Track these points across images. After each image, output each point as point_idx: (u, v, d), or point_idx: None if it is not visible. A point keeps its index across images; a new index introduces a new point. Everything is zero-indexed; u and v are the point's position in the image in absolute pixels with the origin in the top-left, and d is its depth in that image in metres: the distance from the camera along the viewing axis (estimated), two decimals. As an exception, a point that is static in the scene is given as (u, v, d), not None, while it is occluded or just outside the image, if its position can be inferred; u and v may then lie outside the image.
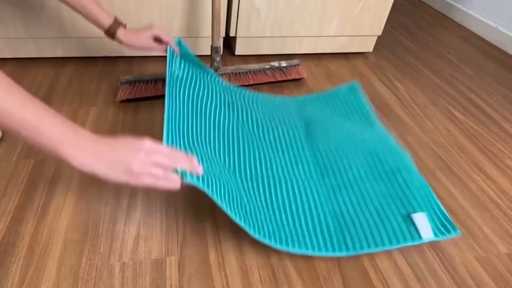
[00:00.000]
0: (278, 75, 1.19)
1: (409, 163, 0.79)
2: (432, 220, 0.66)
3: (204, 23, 1.21)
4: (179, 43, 0.91)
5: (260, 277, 0.67)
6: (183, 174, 0.56)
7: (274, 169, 0.77)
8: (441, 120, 1.14)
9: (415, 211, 0.67)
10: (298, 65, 1.23)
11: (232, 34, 1.27)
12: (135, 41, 0.88)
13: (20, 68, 1.14)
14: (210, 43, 1.08)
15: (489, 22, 1.74)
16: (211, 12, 1.02)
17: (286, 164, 0.78)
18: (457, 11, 1.91)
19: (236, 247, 0.72)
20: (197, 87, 0.84)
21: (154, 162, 0.54)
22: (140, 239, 0.71)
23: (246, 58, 1.34)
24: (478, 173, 0.96)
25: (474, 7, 1.82)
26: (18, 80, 1.09)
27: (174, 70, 0.83)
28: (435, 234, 0.65)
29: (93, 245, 0.69)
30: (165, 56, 0.85)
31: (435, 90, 1.29)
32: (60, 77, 1.12)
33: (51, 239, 0.69)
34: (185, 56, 0.90)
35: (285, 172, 0.77)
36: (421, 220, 0.64)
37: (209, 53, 1.29)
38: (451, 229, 0.65)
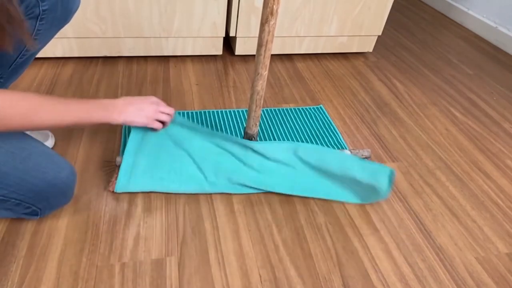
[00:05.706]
0: None
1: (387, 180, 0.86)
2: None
3: (203, 23, 1.21)
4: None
5: (260, 277, 0.67)
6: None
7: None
8: (441, 120, 1.14)
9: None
10: None
11: (232, 34, 1.27)
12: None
13: (20, 68, 1.14)
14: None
15: (489, 22, 1.74)
16: (251, 93, 0.79)
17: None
18: (457, 11, 1.91)
19: (236, 247, 0.72)
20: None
21: (160, 110, 0.79)
22: (140, 239, 0.71)
23: (246, 58, 1.34)
24: (478, 173, 0.96)
25: (474, 7, 1.82)
26: (18, 80, 1.09)
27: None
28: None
29: (93, 245, 0.69)
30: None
31: (435, 90, 1.29)
32: (60, 77, 1.12)
33: (51, 239, 0.69)
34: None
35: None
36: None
37: (205, 53, 1.29)
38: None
